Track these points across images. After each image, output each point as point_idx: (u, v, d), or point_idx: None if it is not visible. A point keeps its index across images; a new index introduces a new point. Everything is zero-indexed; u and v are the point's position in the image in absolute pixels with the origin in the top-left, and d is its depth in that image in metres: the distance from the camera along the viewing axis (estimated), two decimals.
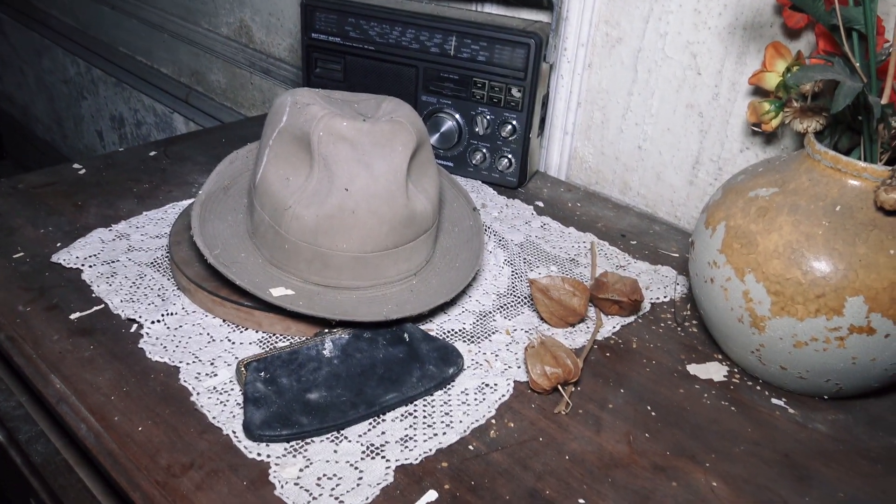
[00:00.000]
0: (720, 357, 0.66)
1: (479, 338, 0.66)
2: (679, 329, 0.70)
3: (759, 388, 0.63)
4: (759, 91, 0.77)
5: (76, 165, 0.91)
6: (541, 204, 0.90)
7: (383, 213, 0.63)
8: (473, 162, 0.93)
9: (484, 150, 0.92)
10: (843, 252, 0.54)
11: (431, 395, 0.59)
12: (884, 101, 0.54)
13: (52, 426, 0.60)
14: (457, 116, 0.91)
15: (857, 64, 0.54)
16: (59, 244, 0.76)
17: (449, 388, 0.60)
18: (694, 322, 0.71)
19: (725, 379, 0.64)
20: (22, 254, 0.73)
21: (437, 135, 0.93)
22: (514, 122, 0.89)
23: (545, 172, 1.00)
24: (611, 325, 0.69)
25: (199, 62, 1.58)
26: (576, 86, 0.93)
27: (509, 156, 0.91)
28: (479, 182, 0.94)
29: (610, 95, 0.91)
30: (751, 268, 0.57)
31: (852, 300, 0.54)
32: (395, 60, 0.91)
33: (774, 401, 0.62)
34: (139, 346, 0.62)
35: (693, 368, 0.65)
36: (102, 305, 0.67)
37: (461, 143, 0.92)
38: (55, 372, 0.59)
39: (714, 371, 0.65)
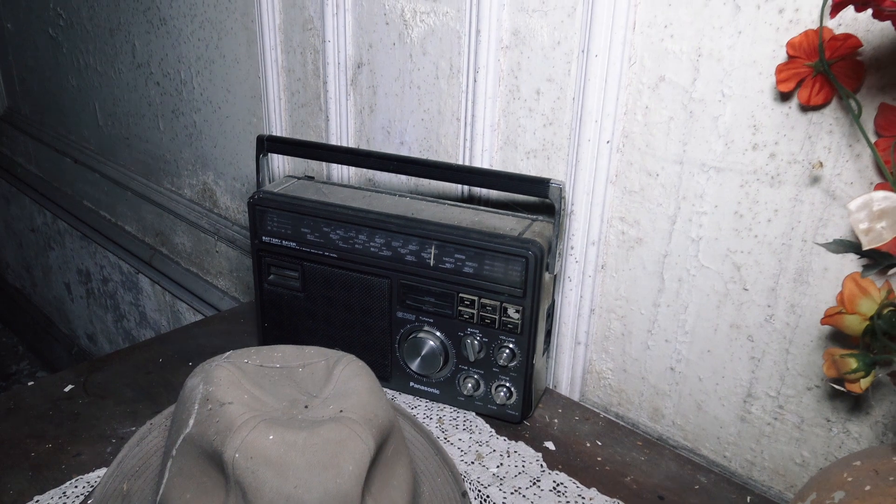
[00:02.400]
0: None
1: None
2: None
3: None
4: (836, 335, 0.59)
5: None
6: (551, 446, 0.71)
7: None
8: (464, 392, 0.74)
9: (476, 378, 0.73)
10: None
11: None
12: None
13: None
14: (440, 336, 0.73)
15: None
16: None
17: None
18: None
19: None
20: None
21: (417, 359, 0.75)
22: (513, 347, 0.70)
23: (554, 390, 0.81)
24: None
25: (162, 223, 1.42)
26: (587, 290, 0.76)
27: (508, 385, 0.72)
28: (474, 414, 0.75)
29: (631, 304, 0.73)
30: None
31: None
32: (363, 270, 0.74)
33: None
34: None
35: None
36: None
37: (448, 366, 0.74)
38: None
39: None
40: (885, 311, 0.51)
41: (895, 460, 0.45)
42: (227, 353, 0.55)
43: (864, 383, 0.52)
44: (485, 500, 0.63)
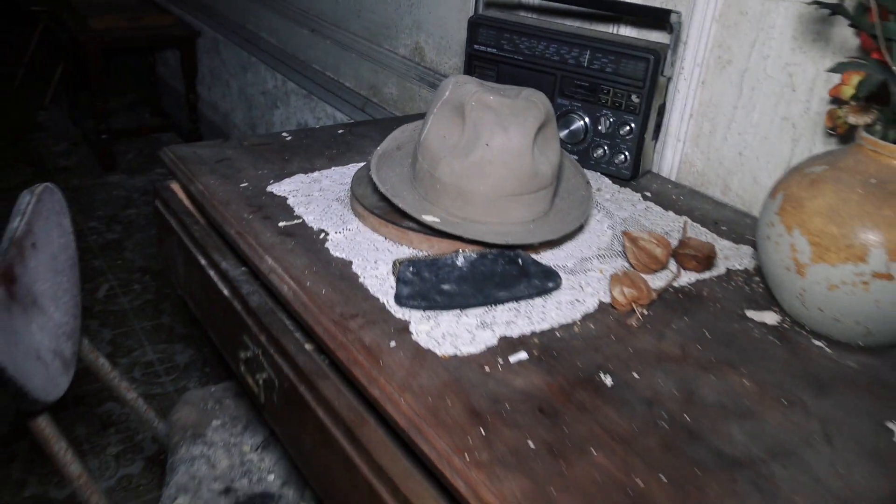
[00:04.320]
0: (776, 309, 0.80)
1: (577, 272, 0.84)
2: (746, 287, 0.84)
3: (805, 332, 0.77)
4: (837, 102, 0.91)
5: (284, 133, 1.19)
6: (648, 194, 1.07)
7: (513, 165, 0.83)
8: (595, 156, 1.11)
9: (605, 147, 1.10)
10: (871, 212, 0.68)
11: (533, 299, 0.78)
12: None
13: (263, 289, 0.84)
14: (585, 118, 1.10)
15: (893, 66, 0.68)
16: (271, 181, 1.01)
17: (547, 297, 0.79)
18: (761, 285, 0.85)
19: (776, 323, 0.78)
20: (246, 184, 1.00)
21: (566, 131, 1.12)
22: (632, 124, 1.06)
23: (658, 173, 1.16)
24: (688, 277, 0.85)
25: (377, 77, 1.87)
26: (690, 100, 1.10)
27: (626, 152, 1.08)
28: (599, 174, 1.12)
29: (718, 109, 1.07)
30: (797, 224, 0.72)
31: (875, 251, 0.67)
32: (538, 69, 1.12)
33: (815, 342, 0.75)
34: (325, 246, 0.85)
35: (750, 313, 0.79)
36: (300, 220, 0.91)
37: (586, 140, 1.11)
38: (268, 254, 0.83)
39: (768, 317, 0.79)
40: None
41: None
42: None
43: (843, 127, 0.85)
44: (598, 205, 1.01)
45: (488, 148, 0.83)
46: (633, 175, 1.10)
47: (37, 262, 0.83)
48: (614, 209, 1.01)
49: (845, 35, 0.90)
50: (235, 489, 0.93)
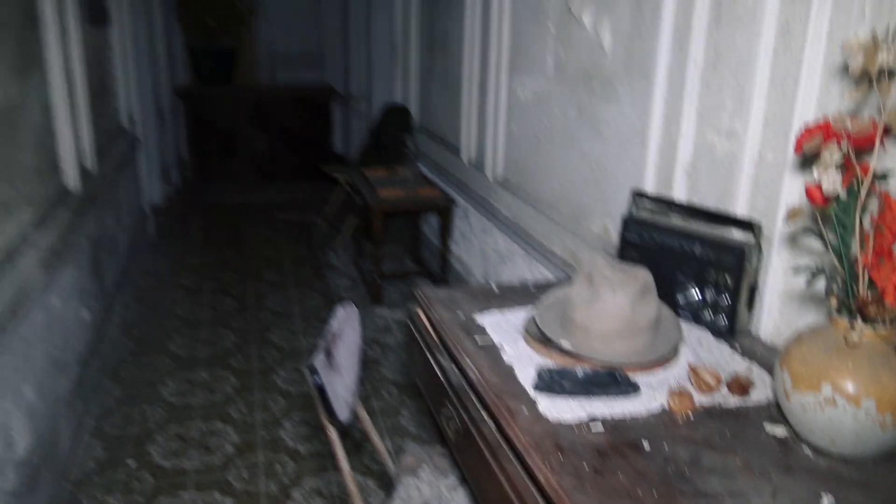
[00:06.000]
0: (787, 426, 1.19)
1: (656, 388, 1.30)
2: (775, 411, 1.24)
3: (800, 441, 1.15)
4: None
5: (493, 286, 1.79)
6: (738, 347, 1.49)
7: (618, 315, 1.34)
8: (703, 317, 1.56)
9: (710, 312, 1.55)
10: (824, 360, 1.08)
11: (618, 398, 1.26)
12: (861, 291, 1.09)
13: (461, 375, 1.41)
14: (697, 290, 1.57)
15: (845, 273, 1.10)
16: (478, 314, 1.60)
17: (628, 398, 1.26)
18: None
19: (783, 434, 1.17)
20: (462, 315, 1.60)
21: (684, 299, 1.59)
22: (727, 297, 1.51)
23: (756, 334, 1.57)
24: (734, 400, 1.27)
25: (576, 246, 2.44)
26: (777, 282, 1.52)
27: (723, 316, 1.52)
28: (705, 330, 1.56)
29: (794, 289, 1.48)
30: (786, 365, 1.13)
31: (825, 385, 1.07)
32: (666, 255, 1.62)
33: (804, 448, 1.14)
34: (501, 355, 1.41)
35: (767, 426, 1.19)
36: (490, 339, 1.48)
37: (697, 306, 1.57)
38: (467, 356, 1.40)
39: (779, 430, 1.18)
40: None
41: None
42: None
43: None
44: (693, 350, 1.45)
45: (603, 303, 1.35)
46: (730, 333, 1.52)
47: (342, 347, 1.48)
48: (705, 355, 1.45)
49: None
50: None
